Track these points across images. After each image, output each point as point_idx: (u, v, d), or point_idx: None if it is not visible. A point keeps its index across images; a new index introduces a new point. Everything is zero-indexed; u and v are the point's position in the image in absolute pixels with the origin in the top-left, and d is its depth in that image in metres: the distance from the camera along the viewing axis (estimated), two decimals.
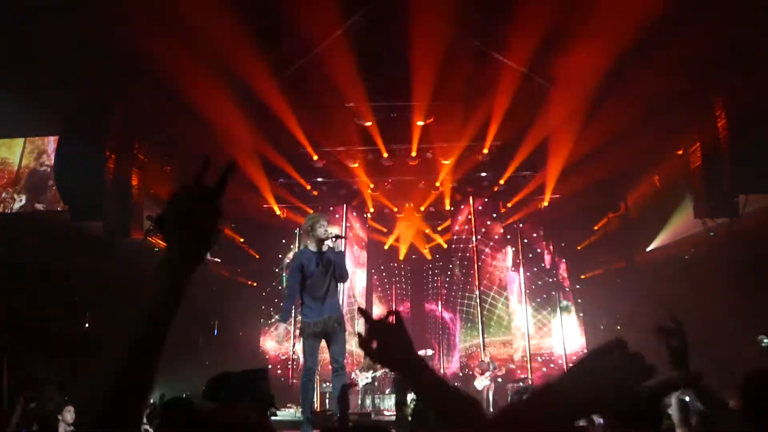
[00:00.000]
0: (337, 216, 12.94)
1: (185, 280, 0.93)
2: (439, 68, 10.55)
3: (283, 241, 14.00)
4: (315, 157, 12.68)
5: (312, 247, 5.05)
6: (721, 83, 8.76)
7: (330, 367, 5.20)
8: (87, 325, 9.78)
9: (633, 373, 0.70)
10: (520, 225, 13.35)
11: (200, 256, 0.97)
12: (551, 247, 13.51)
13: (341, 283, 5.33)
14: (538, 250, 13.40)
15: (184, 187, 0.97)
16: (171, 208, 0.97)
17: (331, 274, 5.00)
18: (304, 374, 5.00)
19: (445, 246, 14.89)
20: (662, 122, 9.92)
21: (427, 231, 15.15)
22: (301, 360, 5.31)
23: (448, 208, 14.05)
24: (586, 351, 12.62)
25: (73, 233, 9.49)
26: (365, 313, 1.14)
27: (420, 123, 11.92)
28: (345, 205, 13.25)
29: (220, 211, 0.98)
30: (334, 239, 5.04)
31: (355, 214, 13.49)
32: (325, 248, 5.06)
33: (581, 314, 13.03)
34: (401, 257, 15.47)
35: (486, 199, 13.10)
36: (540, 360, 12.47)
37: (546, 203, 13.08)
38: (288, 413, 9.71)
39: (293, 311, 5.53)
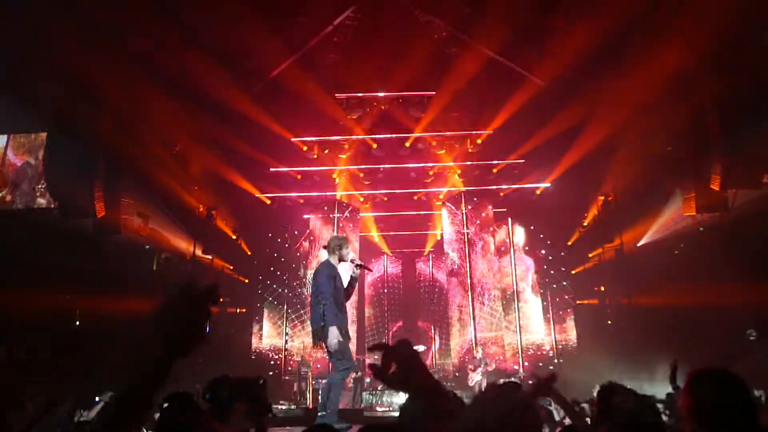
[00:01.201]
0: (331, 216, 12.87)
1: (167, 368, 1.00)
2: (433, 61, 10.58)
3: (278, 240, 13.90)
4: (305, 148, 12.64)
5: (334, 262, 5.55)
6: (711, 82, 8.83)
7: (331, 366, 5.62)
8: (77, 323, 9.68)
9: (508, 402, 1.02)
10: (509, 221, 13.37)
11: (183, 354, 1.02)
12: (539, 243, 13.53)
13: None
14: (527, 247, 13.43)
15: (180, 290, 1.03)
16: (165, 310, 1.02)
17: (345, 289, 5.59)
18: (342, 376, 5.33)
19: (438, 237, 14.74)
20: (653, 119, 9.99)
21: (419, 222, 15.04)
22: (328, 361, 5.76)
23: (441, 197, 13.99)
24: (576, 345, 12.71)
25: (62, 231, 9.38)
26: (382, 347, 1.19)
27: (415, 114, 11.95)
28: (336, 199, 13.21)
29: (208, 317, 1.03)
30: (356, 266, 5.62)
31: (347, 215, 13.37)
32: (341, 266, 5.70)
33: (569, 310, 13.08)
34: (392, 249, 15.38)
35: (475, 199, 13.09)
36: (530, 353, 12.53)
37: (537, 192, 13.14)
38: (280, 409, 9.69)
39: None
